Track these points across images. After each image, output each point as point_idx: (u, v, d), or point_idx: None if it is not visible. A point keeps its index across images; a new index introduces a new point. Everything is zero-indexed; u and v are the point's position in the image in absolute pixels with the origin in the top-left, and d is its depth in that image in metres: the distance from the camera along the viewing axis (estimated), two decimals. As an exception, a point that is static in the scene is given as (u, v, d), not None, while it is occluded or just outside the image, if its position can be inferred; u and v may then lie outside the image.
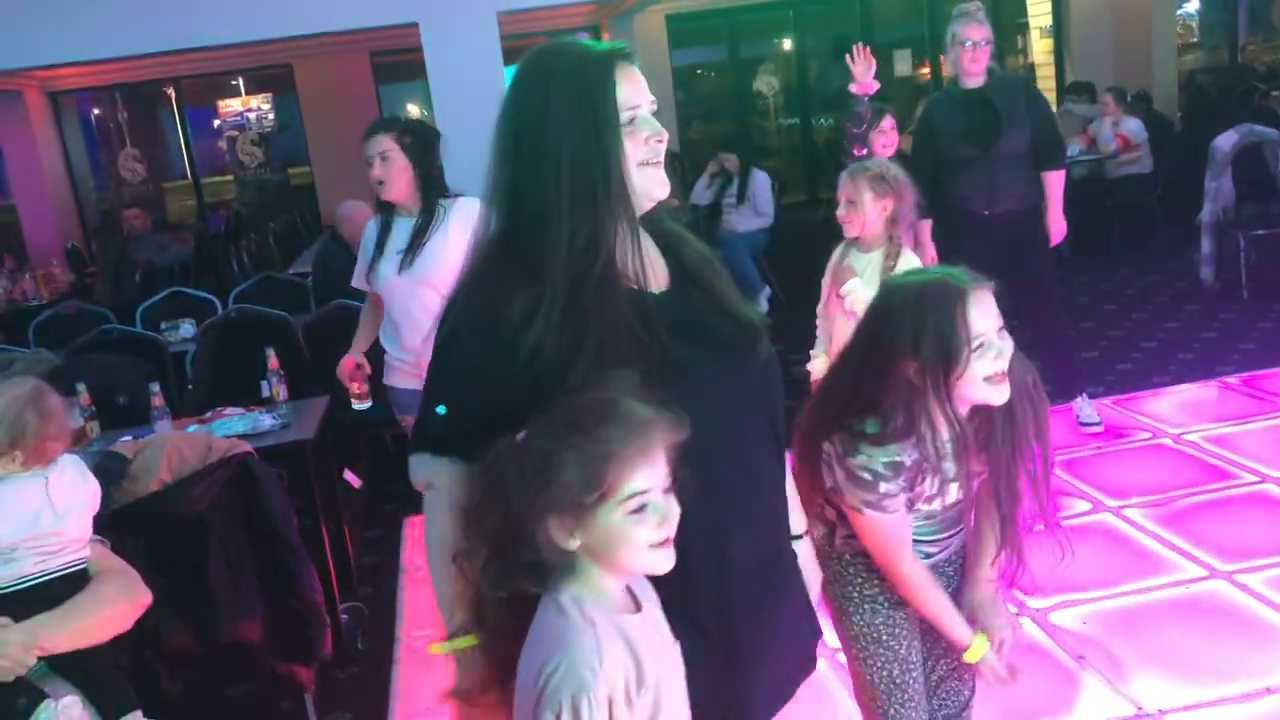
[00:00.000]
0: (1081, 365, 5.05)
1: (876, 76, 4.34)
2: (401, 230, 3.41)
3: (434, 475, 1.50)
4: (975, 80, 4.46)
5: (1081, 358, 5.23)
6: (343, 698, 3.37)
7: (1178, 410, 4.91)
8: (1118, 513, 3.96)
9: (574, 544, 1.34)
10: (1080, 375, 4.88)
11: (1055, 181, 4.60)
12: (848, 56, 4.35)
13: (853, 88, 4.38)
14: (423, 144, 3.37)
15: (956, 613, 1.97)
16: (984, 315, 1.78)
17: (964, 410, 1.84)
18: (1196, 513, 3.90)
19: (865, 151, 4.50)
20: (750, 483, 1.56)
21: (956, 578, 2.08)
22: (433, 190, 3.38)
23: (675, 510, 1.36)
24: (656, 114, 1.53)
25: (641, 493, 1.33)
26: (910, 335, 1.78)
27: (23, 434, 2.03)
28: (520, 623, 1.39)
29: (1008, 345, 1.80)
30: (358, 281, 3.62)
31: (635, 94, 1.49)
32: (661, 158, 1.53)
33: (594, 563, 1.37)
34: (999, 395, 1.79)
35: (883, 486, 1.82)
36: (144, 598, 2.16)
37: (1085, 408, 4.78)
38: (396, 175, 3.34)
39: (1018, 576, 2.00)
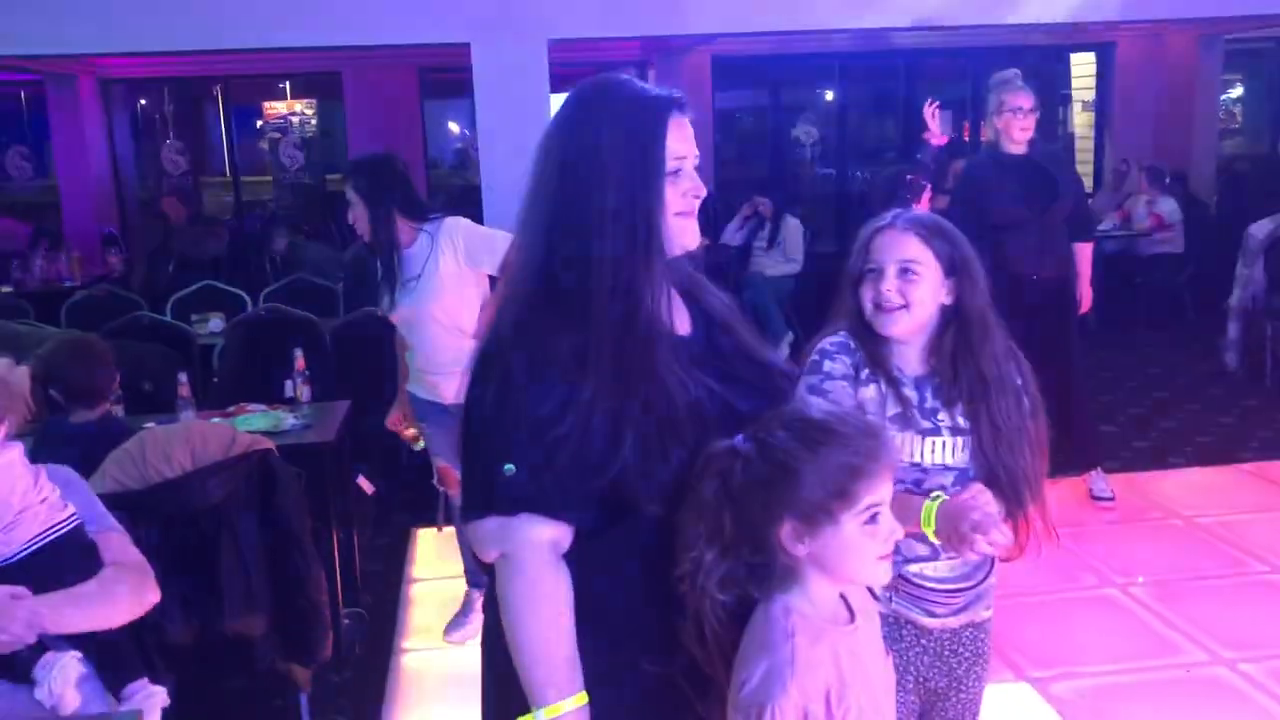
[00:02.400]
0: (1099, 438, 5.05)
1: (915, 139, 4.44)
2: (406, 260, 3.48)
3: (508, 538, 1.43)
4: (1020, 147, 4.49)
5: (1099, 431, 5.23)
6: (336, 701, 3.39)
7: (1192, 492, 4.89)
8: (1124, 589, 3.95)
9: (802, 550, 1.38)
10: (1097, 448, 4.88)
11: (1086, 253, 4.71)
12: (926, 109, 4.45)
13: (927, 136, 4.46)
14: (376, 180, 3.43)
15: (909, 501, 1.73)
16: (884, 246, 1.86)
17: (906, 345, 1.88)
18: (1203, 596, 3.88)
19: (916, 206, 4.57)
20: None
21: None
22: (386, 221, 3.40)
23: (899, 526, 1.42)
24: (698, 166, 1.53)
25: (877, 505, 1.38)
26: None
27: None
28: (737, 635, 1.41)
29: (907, 287, 1.84)
30: (383, 308, 3.70)
31: (683, 145, 1.50)
32: (694, 209, 1.53)
33: (818, 571, 1.40)
34: (883, 324, 1.85)
35: (826, 365, 1.85)
36: (152, 596, 2.17)
37: (1099, 481, 4.77)
38: (360, 220, 3.46)
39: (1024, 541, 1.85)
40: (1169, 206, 8.23)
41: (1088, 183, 9.78)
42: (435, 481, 3.83)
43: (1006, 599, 3.66)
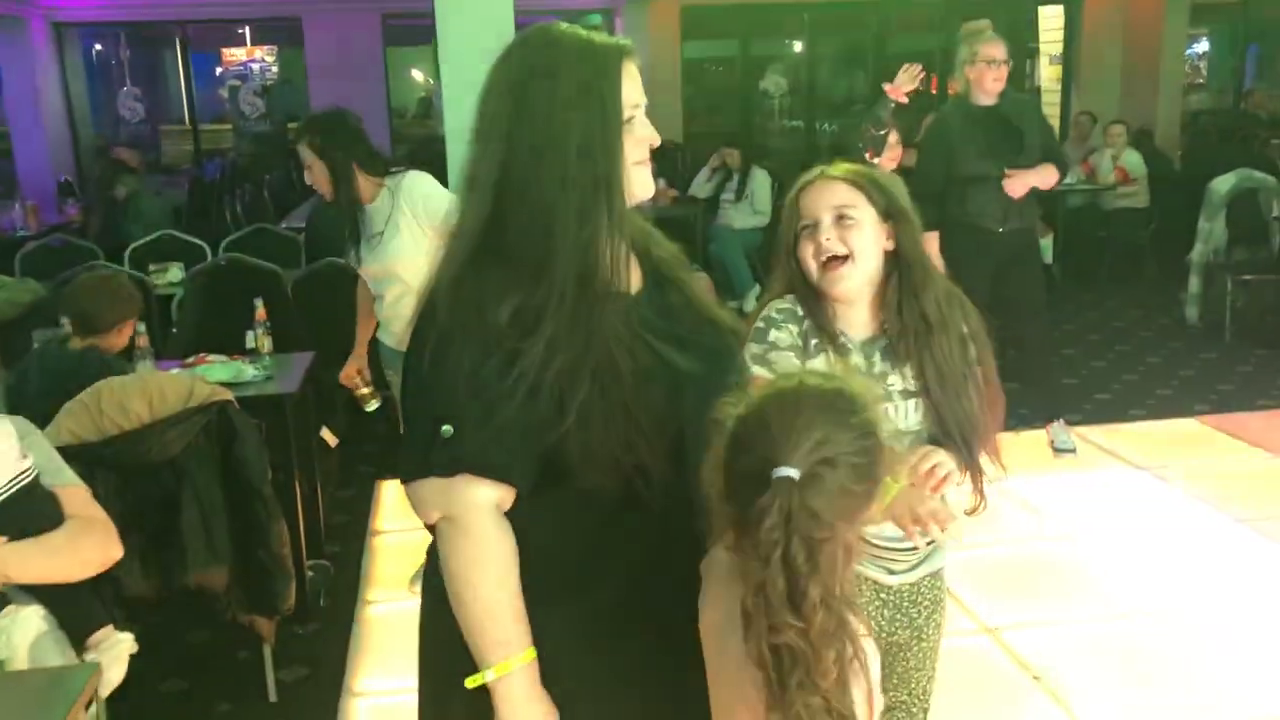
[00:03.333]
0: (1062, 390, 5.10)
1: (882, 88, 4.38)
2: (369, 216, 3.42)
3: (451, 501, 1.40)
4: (991, 99, 4.47)
5: (1062, 383, 5.28)
6: (301, 653, 3.38)
7: (1152, 444, 4.96)
8: (1084, 542, 4.00)
9: None
10: (1060, 400, 4.92)
11: (1050, 171, 4.49)
12: (905, 68, 4.37)
13: (887, 87, 4.40)
14: (331, 138, 3.36)
15: None
16: (814, 199, 1.81)
17: (851, 308, 1.82)
18: (1160, 547, 3.95)
19: (876, 160, 4.53)
20: None
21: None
22: (345, 178, 3.33)
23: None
24: (648, 113, 1.49)
25: None
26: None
27: None
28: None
29: (846, 235, 1.78)
30: (349, 260, 3.64)
31: (635, 92, 1.45)
32: (648, 157, 1.49)
33: None
34: (829, 282, 1.79)
35: (773, 334, 1.79)
36: (115, 552, 2.14)
37: (1061, 433, 4.82)
38: (320, 179, 3.39)
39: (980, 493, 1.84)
40: (1134, 160, 8.26)
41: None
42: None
43: (966, 550, 3.74)
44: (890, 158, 4.64)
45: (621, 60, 1.44)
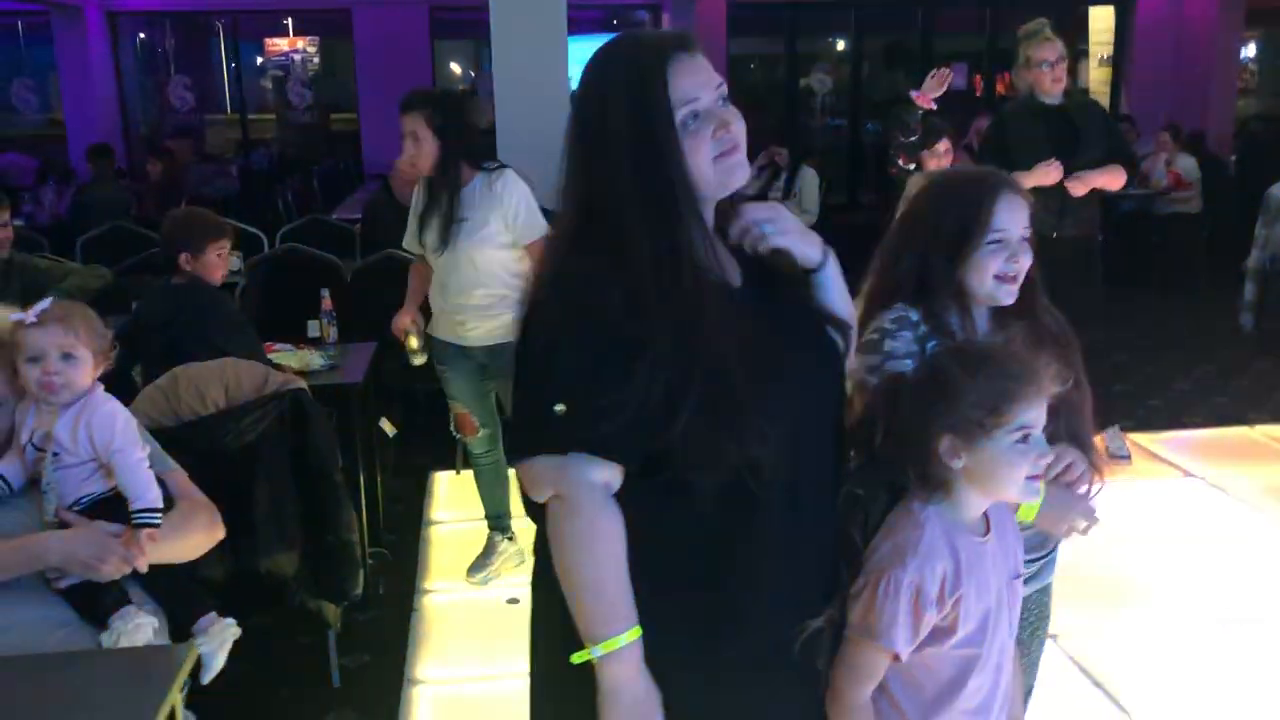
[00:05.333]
0: (1116, 397, 5.06)
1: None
2: (460, 201, 3.44)
3: (563, 479, 1.42)
4: (1054, 99, 4.43)
5: (1115, 390, 5.24)
6: (362, 640, 3.42)
7: (1206, 453, 4.91)
8: (1136, 545, 3.97)
9: (959, 465, 1.52)
10: (1114, 407, 4.88)
11: (1117, 173, 4.42)
12: (934, 74, 4.34)
13: (914, 94, 4.37)
14: (453, 119, 3.42)
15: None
16: (1011, 216, 1.78)
17: (977, 310, 1.82)
18: (1213, 556, 3.91)
19: (913, 166, 4.50)
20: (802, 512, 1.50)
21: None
22: (457, 158, 3.41)
23: (1050, 451, 1.56)
24: (727, 96, 1.48)
25: (1029, 426, 1.50)
26: (933, 218, 1.81)
27: None
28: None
29: (1026, 258, 1.79)
30: (409, 244, 3.66)
31: (694, 86, 1.44)
32: (738, 143, 1.48)
33: (969, 484, 1.54)
34: (1006, 295, 1.79)
35: (888, 344, 1.76)
36: (219, 533, 2.21)
37: (1116, 439, 4.78)
38: (426, 155, 3.41)
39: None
40: (1187, 164, 8.17)
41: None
42: (452, 427, 3.80)
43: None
44: (939, 164, 4.62)
45: (668, 59, 1.44)
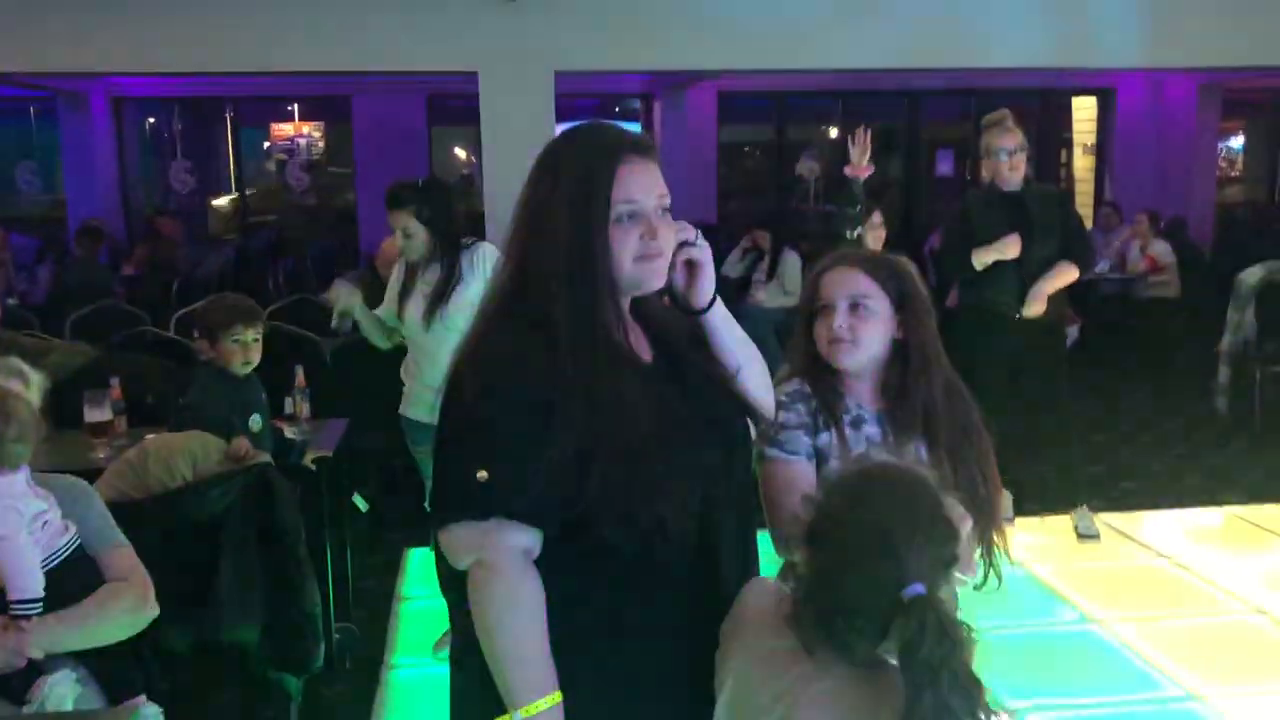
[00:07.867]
0: (1085, 477, 5.10)
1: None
2: (428, 273, 3.63)
3: (485, 544, 1.47)
4: (1011, 186, 4.57)
5: (1087, 470, 5.29)
6: (326, 714, 3.43)
7: (1178, 534, 4.95)
8: (1104, 626, 4.00)
9: None
10: (1083, 487, 4.93)
11: (1068, 270, 4.55)
12: (849, 138, 4.51)
13: (847, 170, 4.54)
14: (439, 208, 3.63)
15: None
16: (835, 284, 1.92)
17: (859, 385, 1.92)
18: (1184, 636, 3.93)
19: (856, 235, 4.64)
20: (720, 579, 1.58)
21: None
22: (450, 243, 3.62)
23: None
24: (669, 207, 1.56)
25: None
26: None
27: None
28: None
29: (856, 322, 1.90)
30: (383, 314, 3.80)
31: (637, 189, 1.53)
32: (662, 251, 1.56)
33: None
34: (834, 357, 1.91)
35: (782, 415, 1.87)
36: (148, 612, 2.22)
37: (1085, 519, 4.82)
38: (417, 249, 3.64)
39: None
40: (1162, 248, 8.33)
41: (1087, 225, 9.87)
42: (427, 504, 3.86)
43: (986, 631, 3.71)
44: (875, 239, 4.77)
45: (619, 158, 1.53)
